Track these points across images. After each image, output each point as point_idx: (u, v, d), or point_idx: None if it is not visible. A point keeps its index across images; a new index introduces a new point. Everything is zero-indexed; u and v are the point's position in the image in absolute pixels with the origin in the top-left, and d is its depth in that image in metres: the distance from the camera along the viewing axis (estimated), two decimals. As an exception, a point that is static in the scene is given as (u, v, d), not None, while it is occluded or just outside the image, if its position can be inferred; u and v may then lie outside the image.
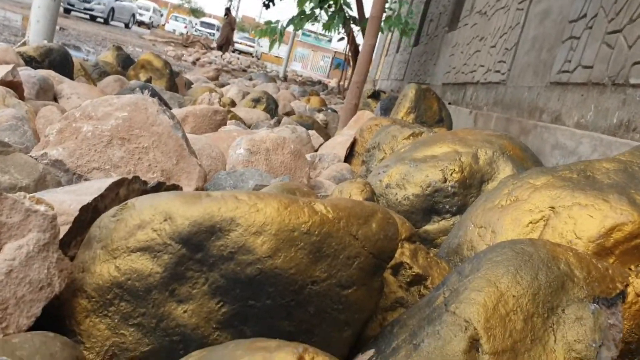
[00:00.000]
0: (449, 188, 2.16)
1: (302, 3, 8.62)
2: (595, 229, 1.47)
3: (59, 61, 4.38)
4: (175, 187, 1.60)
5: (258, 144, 2.50)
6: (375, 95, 8.53)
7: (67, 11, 26.21)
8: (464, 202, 2.15)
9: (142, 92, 4.56)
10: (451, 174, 2.17)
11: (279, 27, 8.64)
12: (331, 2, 9.71)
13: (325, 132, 5.77)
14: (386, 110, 6.21)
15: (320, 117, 6.46)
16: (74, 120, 1.96)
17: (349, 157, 3.97)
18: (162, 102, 4.65)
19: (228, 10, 22.44)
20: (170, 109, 4.46)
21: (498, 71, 5.66)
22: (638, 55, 2.91)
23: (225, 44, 23.43)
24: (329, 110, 7.48)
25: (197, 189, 1.95)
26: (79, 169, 1.85)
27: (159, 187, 1.52)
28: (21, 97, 3.06)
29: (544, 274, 1.14)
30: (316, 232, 1.13)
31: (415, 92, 4.90)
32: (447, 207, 2.16)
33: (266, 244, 1.10)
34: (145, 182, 1.47)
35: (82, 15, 26.63)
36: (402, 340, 1.12)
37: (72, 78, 4.59)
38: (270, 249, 1.10)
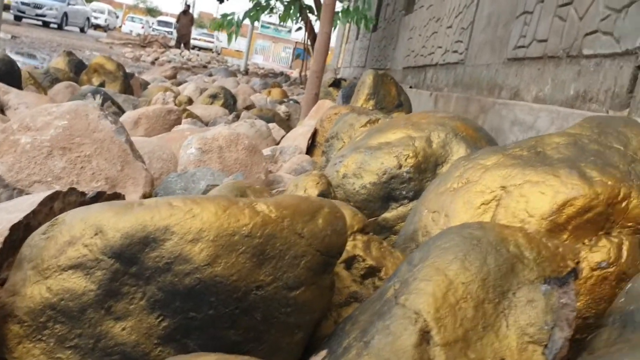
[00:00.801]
0: (404, 174, 2.13)
1: None
2: (547, 206, 1.46)
3: (4, 71, 4.23)
4: (117, 196, 1.54)
5: (210, 142, 2.43)
6: (336, 83, 8.49)
7: (18, 18, 25.48)
8: (420, 187, 2.13)
9: (94, 97, 4.44)
10: (405, 160, 2.14)
11: (235, 19, 8.51)
12: None
13: (288, 125, 5.71)
14: (348, 98, 6.18)
15: (282, 109, 6.39)
16: (11, 132, 1.87)
17: (311, 148, 3.92)
18: (116, 105, 4.53)
19: (188, 7, 22.12)
20: (124, 112, 4.35)
21: (456, 51, 5.66)
22: (589, 26, 2.93)
23: (187, 42, 23.28)
24: (291, 102, 7.41)
25: (144, 195, 1.89)
26: (19, 183, 1.77)
27: (99, 198, 1.45)
28: (-40, 111, 2.93)
29: (492, 258, 1.11)
30: (258, 234, 1.09)
31: (373, 78, 4.87)
32: (404, 193, 2.14)
33: (204, 251, 1.05)
34: (83, 193, 1.40)
35: (35, 21, 25.92)
36: (354, 338, 1.08)
37: (20, 88, 4.43)
38: (208, 256, 1.05)
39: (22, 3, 25.74)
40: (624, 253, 1.43)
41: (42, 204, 1.25)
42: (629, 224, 1.48)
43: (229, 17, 8.54)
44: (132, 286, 1.06)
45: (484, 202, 1.58)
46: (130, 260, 1.05)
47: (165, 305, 1.06)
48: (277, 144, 4.27)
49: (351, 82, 8.49)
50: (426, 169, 2.15)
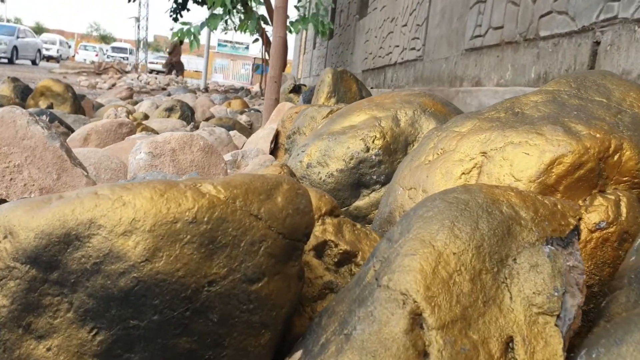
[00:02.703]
0: (373, 157, 1.97)
1: (217, 5, 8.31)
2: (534, 167, 1.31)
3: (-62, 98, 3.94)
4: (49, 203, 1.33)
5: (161, 145, 2.23)
6: (296, 89, 8.35)
7: (-35, 55, 24.77)
8: (391, 169, 1.97)
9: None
10: (373, 142, 1.98)
11: (193, 28, 8.30)
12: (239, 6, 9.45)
13: (250, 132, 5.53)
14: (309, 102, 6.06)
15: (243, 118, 6.21)
16: None
17: (274, 151, 3.75)
18: (64, 125, 4.28)
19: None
20: (73, 131, 4.10)
21: (413, 48, 5.62)
22: (543, 8, 2.87)
23: (181, 69, 23.34)
24: (252, 111, 7.23)
25: (87, 204, 1.68)
26: (-64, 203, 1.54)
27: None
28: None
29: (485, 221, 0.95)
30: (205, 219, 0.90)
31: (332, 76, 4.74)
32: (375, 177, 1.97)
33: (140, 244, 0.86)
34: (3, 201, 1.20)
35: (-18, 57, 25.23)
36: (332, 332, 0.90)
37: (-42, 115, 4.14)
38: (146, 250, 0.86)
39: (-31, 39, 25.07)
40: (623, 210, 1.29)
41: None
42: (624, 179, 1.34)
43: (187, 26, 8.33)
44: (55, 296, 0.86)
45: (464, 171, 1.42)
46: (50, 264, 0.86)
47: (98, 314, 0.86)
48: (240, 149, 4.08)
49: (311, 87, 8.37)
50: (396, 149, 1.99)
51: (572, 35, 2.57)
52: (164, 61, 43.48)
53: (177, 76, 22.00)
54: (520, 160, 1.33)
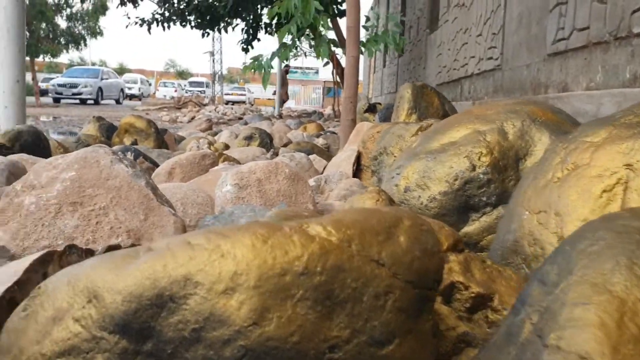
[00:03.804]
0: (481, 176, 1.75)
1: (282, 36, 8.36)
2: (701, 179, 1.07)
3: (30, 142, 4.08)
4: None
5: (247, 175, 2.12)
6: (372, 108, 8.19)
7: (56, 100, 26.54)
8: (503, 188, 1.75)
9: (125, 155, 4.24)
10: (479, 158, 1.77)
11: (265, 60, 8.37)
12: (308, 32, 9.46)
13: (328, 155, 5.41)
14: (386, 120, 5.89)
15: (319, 141, 6.11)
16: (15, 194, 1.60)
17: (357, 173, 3.60)
18: (149, 160, 4.32)
19: (287, 66, 22.29)
20: (158, 165, 4.13)
21: (490, 58, 5.38)
22: (635, 3, 2.58)
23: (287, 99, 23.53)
24: (328, 133, 7.13)
25: (176, 245, 1.57)
26: (26, 251, 1.48)
27: (112, 253, 1.14)
28: (-18, 187, 2.73)
29: (677, 255, 0.73)
30: (318, 269, 0.74)
31: (411, 91, 4.54)
32: (484, 199, 1.76)
33: (245, 304, 0.71)
34: (89, 251, 1.09)
35: (72, 100, 26.92)
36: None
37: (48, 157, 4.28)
38: (252, 311, 0.71)
39: (59, 85, 26.87)
40: None
41: (30, 270, 0.94)
42: None
43: (258, 60, 8.41)
44: (149, 370, 0.72)
45: (605, 188, 1.19)
46: (142, 332, 0.72)
47: (198, 393, 0.71)
48: (320, 174, 3.95)
49: (386, 105, 8.19)
50: (506, 166, 1.77)
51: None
52: (238, 92, 44.83)
53: (281, 106, 22.21)
54: (682, 171, 1.09)
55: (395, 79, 13.20)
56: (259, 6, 14.36)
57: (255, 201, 2.06)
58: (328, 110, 21.10)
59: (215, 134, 8.00)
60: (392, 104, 6.51)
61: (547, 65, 3.92)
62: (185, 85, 44.84)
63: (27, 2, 24.01)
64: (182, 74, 65.52)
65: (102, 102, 28.53)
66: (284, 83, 22.62)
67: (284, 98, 22.70)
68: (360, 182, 2.89)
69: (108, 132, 6.08)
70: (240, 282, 0.72)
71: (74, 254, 1.04)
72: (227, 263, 0.72)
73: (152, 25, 14.45)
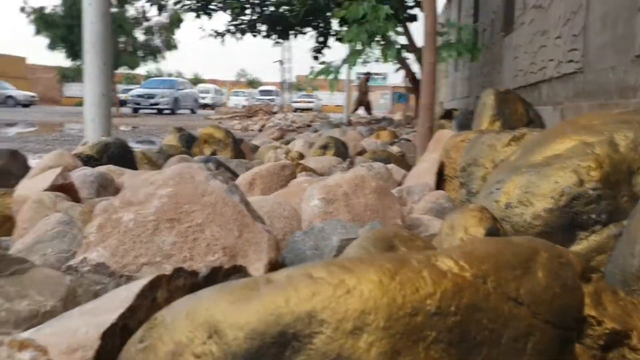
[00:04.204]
0: (590, 191, 1.63)
1: (350, 40, 8.32)
2: None
3: (117, 154, 4.23)
4: (237, 270, 1.20)
5: (333, 189, 2.08)
6: (448, 114, 8.01)
7: (135, 110, 27.77)
8: (615, 205, 1.62)
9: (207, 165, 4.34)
10: (587, 173, 1.64)
11: (333, 67, 8.37)
12: (378, 38, 9.37)
13: (405, 163, 5.31)
14: (463, 127, 5.72)
15: (394, 149, 6.02)
16: (113, 211, 1.63)
17: (439, 184, 3.48)
18: (229, 171, 4.39)
19: (369, 73, 22.28)
20: (238, 175, 4.18)
21: (571, 60, 5.12)
22: None
23: (368, 105, 23.21)
24: (402, 141, 7.02)
25: (270, 262, 1.55)
26: (125, 269, 1.50)
27: (214, 275, 1.12)
28: (75, 198, 2.83)
29: None
30: (452, 309, 0.68)
31: (495, 98, 4.37)
32: (594, 216, 1.63)
33: (375, 346, 0.66)
34: (193, 273, 1.08)
35: (150, 110, 28.09)
36: None
37: (135, 168, 4.42)
38: (383, 354, 0.65)
39: (137, 96, 28.11)
40: None
41: (141, 296, 0.93)
42: None
43: (328, 65, 8.42)
44: (272, 413, 0.68)
45: None
46: (264, 371, 0.68)
47: None
48: (400, 184, 3.87)
49: (463, 110, 7.98)
50: (618, 181, 1.63)
51: None
52: (306, 99, 45.29)
53: (369, 114, 21.96)
54: None
55: (469, 84, 12.90)
56: (329, 14, 14.44)
57: (343, 216, 2.02)
58: (398, 117, 20.91)
59: (288, 142, 8.07)
60: (468, 109, 6.33)
61: (635, 67, 3.67)
62: (255, 94, 45.80)
63: (109, 17, 25.31)
64: (252, 83, 66.96)
65: (178, 112, 29.57)
66: (366, 90, 22.30)
67: (365, 105, 22.34)
68: (447, 195, 2.79)
69: (188, 143, 6.23)
70: (369, 321, 0.67)
71: (180, 277, 1.03)
72: (353, 300, 0.67)
73: (225, 37, 14.84)
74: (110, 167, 3.85)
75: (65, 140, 10.44)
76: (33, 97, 35.43)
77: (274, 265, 1.59)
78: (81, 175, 3.27)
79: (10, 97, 33.41)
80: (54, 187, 2.74)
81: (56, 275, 1.22)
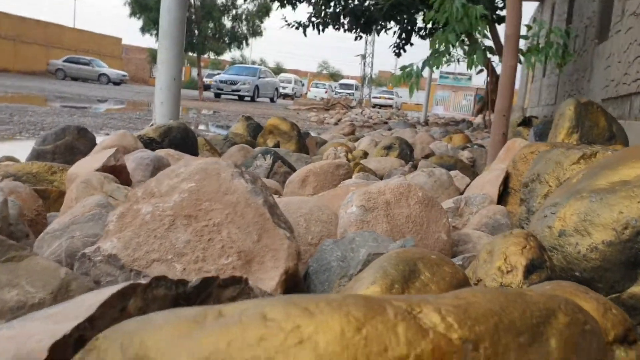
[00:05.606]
0: (662, 227, 1.40)
1: (440, 42, 7.99)
2: None
3: (179, 139, 4.26)
4: (238, 281, 1.09)
5: (375, 197, 1.93)
6: (526, 122, 7.58)
7: (217, 95, 28.54)
8: (690, 246, 1.38)
9: (264, 158, 4.29)
10: (661, 206, 1.41)
11: (414, 69, 8.06)
12: (465, 38, 8.98)
13: (473, 171, 5.05)
14: (541, 136, 5.37)
15: (465, 154, 5.74)
16: (135, 200, 1.57)
17: (503, 196, 3.24)
18: (287, 165, 4.32)
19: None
20: (295, 170, 4.10)
21: (669, 73, 4.67)
22: None
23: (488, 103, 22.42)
24: (475, 147, 6.71)
25: (287, 272, 1.44)
26: (136, 263, 1.43)
27: (207, 287, 1.02)
28: (126, 181, 2.84)
29: None
30: (427, 378, 0.54)
31: (574, 108, 4.04)
32: (663, 256, 1.40)
33: (320, 416, 0.53)
34: (181, 282, 0.98)
35: (231, 96, 28.77)
36: None
37: (196, 154, 4.45)
38: None
39: (220, 81, 28.86)
40: None
41: (107, 305, 0.84)
42: None
43: (407, 69, 8.12)
44: None
45: None
46: None
47: None
48: (461, 193, 3.65)
49: (543, 119, 7.52)
50: (696, 217, 1.40)
51: None
52: (386, 95, 44.80)
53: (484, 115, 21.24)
54: None
55: (555, 91, 12.25)
56: (414, 10, 14.10)
57: (381, 227, 1.87)
58: (478, 120, 20.21)
59: (357, 139, 7.93)
60: (549, 118, 5.96)
61: None
62: (335, 87, 45.83)
63: (199, 3, 26.08)
64: (333, 76, 67.12)
65: (258, 99, 30.11)
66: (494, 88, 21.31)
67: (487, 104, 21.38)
68: (505, 211, 2.57)
69: (254, 132, 6.24)
70: (319, 383, 0.54)
71: (160, 287, 0.94)
72: (304, 355, 0.55)
73: (307, 29, 14.81)
74: (170, 151, 3.87)
75: (147, 120, 10.78)
76: (124, 76, 37.19)
77: (292, 275, 1.48)
78: (137, 158, 3.29)
79: (103, 74, 35.25)
80: (105, 168, 2.76)
81: (52, 266, 1.17)
